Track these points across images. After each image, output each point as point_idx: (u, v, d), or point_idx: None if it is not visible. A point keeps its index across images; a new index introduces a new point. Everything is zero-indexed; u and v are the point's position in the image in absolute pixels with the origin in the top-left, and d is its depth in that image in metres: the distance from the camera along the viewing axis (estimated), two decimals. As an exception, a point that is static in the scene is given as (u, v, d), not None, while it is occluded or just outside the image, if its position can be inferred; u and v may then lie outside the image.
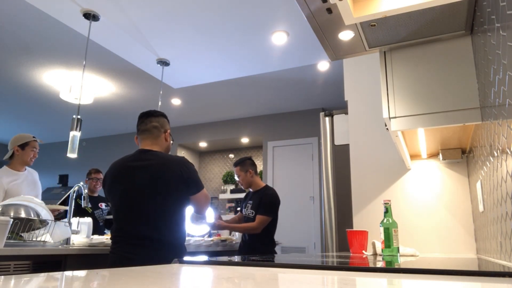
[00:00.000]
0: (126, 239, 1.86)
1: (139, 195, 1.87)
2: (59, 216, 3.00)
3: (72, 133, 2.96)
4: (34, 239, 2.09)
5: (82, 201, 2.60)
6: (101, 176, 4.00)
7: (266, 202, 2.87)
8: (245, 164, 3.01)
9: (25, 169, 3.14)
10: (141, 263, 0.86)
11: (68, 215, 2.48)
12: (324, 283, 0.57)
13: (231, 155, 6.73)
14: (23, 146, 3.06)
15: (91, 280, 0.56)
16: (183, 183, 1.91)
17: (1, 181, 2.92)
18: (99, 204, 3.93)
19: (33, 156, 3.10)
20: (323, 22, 1.38)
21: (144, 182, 1.87)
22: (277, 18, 3.22)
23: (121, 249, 1.86)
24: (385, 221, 1.58)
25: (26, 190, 3.04)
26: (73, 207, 2.51)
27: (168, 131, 2.11)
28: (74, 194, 2.58)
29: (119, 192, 1.92)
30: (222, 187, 6.40)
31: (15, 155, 3.06)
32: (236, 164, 3.03)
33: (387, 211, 1.59)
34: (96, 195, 3.96)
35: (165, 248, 1.84)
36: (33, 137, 3.12)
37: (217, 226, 2.92)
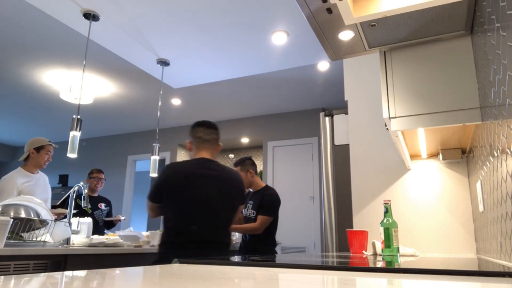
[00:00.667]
0: (189, 242, 1.93)
1: (210, 203, 1.99)
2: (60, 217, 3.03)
3: (72, 133, 2.96)
4: (34, 239, 2.09)
5: (82, 201, 2.60)
6: (103, 176, 4.01)
7: (267, 202, 2.87)
8: (246, 164, 3.00)
9: (38, 172, 3.22)
10: None
11: (68, 215, 2.48)
12: (324, 283, 0.57)
13: (231, 155, 6.74)
14: (38, 149, 3.15)
15: (91, 280, 0.56)
16: (241, 195, 2.16)
17: (15, 182, 3.00)
18: (99, 205, 3.93)
19: (47, 159, 3.19)
20: (323, 22, 1.38)
21: (216, 191, 2.01)
22: (277, 18, 3.22)
23: (179, 251, 1.90)
24: (385, 221, 1.58)
25: (39, 193, 3.11)
26: (73, 208, 2.51)
27: (221, 144, 2.23)
28: (74, 194, 2.58)
29: (188, 197, 1.97)
30: (222, 187, 6.39)
31: (30, 157, 3.14)
32: (236, 164, 3.03)
33: (387, 211, 1.59)
34: (96, 195, 3.96)
35: (225, 250, 2.05)
36: (49, 141, 3.22)
37: None
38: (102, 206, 3.98)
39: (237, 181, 2.14)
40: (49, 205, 3.28)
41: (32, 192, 3.03)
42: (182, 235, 1.94)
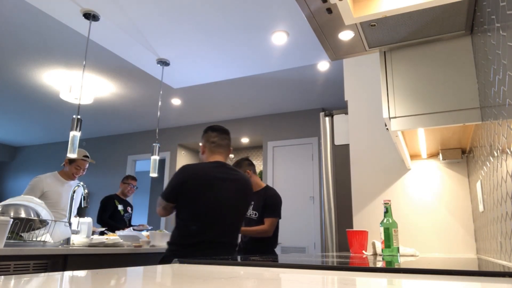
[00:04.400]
0: (202, 242, 1.96)
1: (226, 206, 2.05)
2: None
3: (72, 133, 2.96)
4: (34, 239, 2.10)
5: (83, 201, 2.59)
6: (136, 183, 4.40)
7: (272, 203, 2.87)
8: (243, 165, 2.99)
9: (74, 180, 3.28)
10: None
11: (68, 215, 2.48)
12: (324, 283, 0.57)
13: (231, 155, 6.73)
14: (70, 161, 3.22)
15: (91, 280, 0.56)
16: (251, 199, 2.28)
17: (42, 182, 3.05)
18: (127, 208, 4.34)
19: (77, 173, 3.24)
20: (323, 22, 1.38)
21: (233, 194, 2.08)
22: (277, 18, 3.22)
23: (191, 251, 1.94)
24: (385, 221, 1.58)
25: (64, 199, 3.13)
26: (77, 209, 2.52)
27: (231, 149, 2.31)
28: (74, 194, 2.58)
29: (208, 199, 2.00)
30: (222, 187, 6.39)
31: (65, 166, 3.25)
32: (233, 166, 3.02)
33: (387, 211, 1.59)
34: (126, 199, 4.40)
35: (233, 251, 2.12)
36: (84, 156, 3.24)
37: None
38: (129, 210, 4.34)
39: (250, 185, 2.23)
40: (74, 213, 3.29)
41: (57, 198, 3.06)
42: (198, 235, 1.96)
